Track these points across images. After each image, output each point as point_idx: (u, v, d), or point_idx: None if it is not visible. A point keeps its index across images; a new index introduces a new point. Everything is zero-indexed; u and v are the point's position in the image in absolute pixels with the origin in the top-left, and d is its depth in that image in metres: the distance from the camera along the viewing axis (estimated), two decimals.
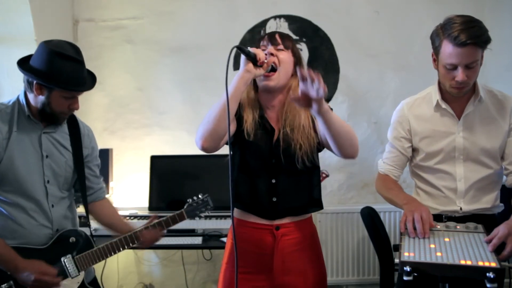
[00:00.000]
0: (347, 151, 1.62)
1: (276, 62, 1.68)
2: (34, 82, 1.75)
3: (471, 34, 1.70)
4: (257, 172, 1.73)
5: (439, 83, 1.93)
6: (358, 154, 1.65)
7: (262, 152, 1.72)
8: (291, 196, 1.72)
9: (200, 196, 1.99)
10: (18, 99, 1.85)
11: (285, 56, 1.71)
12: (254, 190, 1.73)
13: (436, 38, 1.81)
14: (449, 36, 1.73)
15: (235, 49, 1.56)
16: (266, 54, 1.67)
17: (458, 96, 1.87)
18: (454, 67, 1.77)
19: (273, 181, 1.72)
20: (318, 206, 1.80)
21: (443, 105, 1.92)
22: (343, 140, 1.57)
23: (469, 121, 1.92)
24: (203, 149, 1.65)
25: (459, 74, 1.76)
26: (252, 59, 1.60)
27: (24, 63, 1.80)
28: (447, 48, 1.75)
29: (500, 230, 1.62)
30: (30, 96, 1.81)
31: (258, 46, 1.72)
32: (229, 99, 1.52)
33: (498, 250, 1.57)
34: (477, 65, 1.77)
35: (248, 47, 1.62)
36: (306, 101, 1.44)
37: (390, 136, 2.07)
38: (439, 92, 1.93)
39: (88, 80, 1.85)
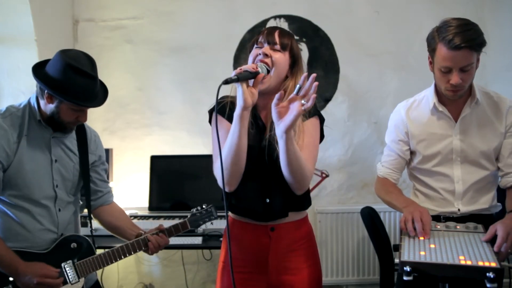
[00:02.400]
0: (293, 183, 1.62)
1: (269, 63, 1.61)
2: (45, 90, 1.76)
3: (465, 38, 1.70)
4: (250, 172, 1.67)
5: (435, 85, 1.93)
6: (304, 191, 1.66)
7: (254, 152, 1.67)
8: (286, 196, 1.68)
9: (204, 206, 2.02)
10: (29, 102, 1.86)
11: (280, 57, 1.64)
12: (247, 191, 1.70)
13: (432, 40, 1.82)
14: (444, 39, 1.73)
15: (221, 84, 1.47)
16: (260, 54, 1.62)
17: (454, 99, 1.87)
18: (449, 70, 1.77)
19: (267, 181, 1.68)
20: (309, 201, 1.78)
21: (440, 108, 1.92)
22: (292, 171, 1.57)
23: (466, 124, 1.92)
24: (230, 191, 1.67)
25: (454, 77, 1.76)
26: (244, 77, 1.50)
27: (39, 68, 1.80)
28: (442, 51, 1.75)
29: (500, 231, 1.63)
30: (41, 102, 1.82)
31: (256, 40, 1.67)
32: (240, 138, 1.53)
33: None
34: (472, 68, 1.78)
35: (239, 68, 1.52)
36: (284, 110, 1.46)
37: (388, 140, 2.07)
38: (436, 95, 1.93)
39: (99, 95, 1.85)
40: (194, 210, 2.00)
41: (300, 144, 1.62)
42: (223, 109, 1.71)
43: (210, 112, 1.76)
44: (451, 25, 1.74)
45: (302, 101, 1.43)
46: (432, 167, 1.96)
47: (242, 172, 1.61)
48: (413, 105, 2.01)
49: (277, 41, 1.64)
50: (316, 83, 1.42)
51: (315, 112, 1.72)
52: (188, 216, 1.99)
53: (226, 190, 1.64)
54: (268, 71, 1.61)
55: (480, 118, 1.91)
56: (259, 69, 1.55)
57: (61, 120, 1.81)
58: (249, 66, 1.55)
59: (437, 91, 1.93)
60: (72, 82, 1.73)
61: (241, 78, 1.49)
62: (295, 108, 1.44)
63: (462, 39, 1.69)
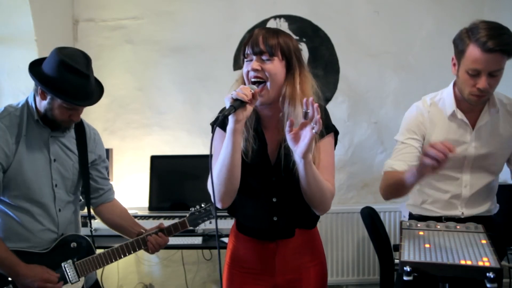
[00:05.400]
0: (314, 206, 1.62)
1: (263, 77, 1.55)
2: (38, 86, 1.76)
3: (500, 42, 1.64)
4: (257, 192, 1.65)
5: (454, 89, 1.86)
6: (326, 211, 1.65)
7: (262, 171, 1.63)
8: (294, 214, 1.67)
9: (203, 205, 2.01)
10: (27, 101, 1.85)
11: (272, 67, 1.55)
12: (253, 209, 1.68)
13: (461, 42, 1.74)
14: (477, 40, 1.66)
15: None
16: (250, 71, 1.56)
17: (476, 105, 1.80)
18: (477, 73, 1.70)
19: (274, 199, 1.65)
20: (317, 217, 1.77)
21: (459, 115, 1.85)
22: (312, 194, 1.56)
23: (482, 131, 1.87)
24: (223, 208, 1.64)
25: (482, 82, 1.69)
26: (240, 106, 1.46)
27: (37, 65, 1.79)
28: (474, 53, 1.68)
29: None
30: (37, 99, 1.81)
31: (244, 52, 1.60)
32: (233, 153, 1.51)
33: (499, 251, 1.57)
34: (500, 74, 1.71)
35: (231, 95, 1.47)
36: (298, 136, 1.46)
37: (402, 138, 1.93)
38: (455, 100, 1.86)
39: (94, 94, 1.83)
40: (193, 209, 2.00)
41: (316, 163, 1.59)
42: (223, 122, 1.61)
43: (212, 124, 1.72)
44: (483, 27, 1.68)
45: (312, 124, 1.41)
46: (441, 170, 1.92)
47: (236, 188, 1.57)
48: (431, 109, 1.91)
49: (264, 50, 1.54)
50: (316, 105, 1.39)
51: (330, 128, 1.66)
52: (187, 215, 1.99)
53: (219, 206, 1.62)
54: (264, 82, 1.57)
55: (496, 125, 1.87)
56: (251, 91, 1.50)
57: (54, 118, 1.79)
58: (244, 90, 1.49)
59: (456, 96, 1.85)
60: (65, 80, 1.72)
61: (237, 106, 1.47)
62: (307, 133, 1.44)
63: (496, 43, 1.64)
